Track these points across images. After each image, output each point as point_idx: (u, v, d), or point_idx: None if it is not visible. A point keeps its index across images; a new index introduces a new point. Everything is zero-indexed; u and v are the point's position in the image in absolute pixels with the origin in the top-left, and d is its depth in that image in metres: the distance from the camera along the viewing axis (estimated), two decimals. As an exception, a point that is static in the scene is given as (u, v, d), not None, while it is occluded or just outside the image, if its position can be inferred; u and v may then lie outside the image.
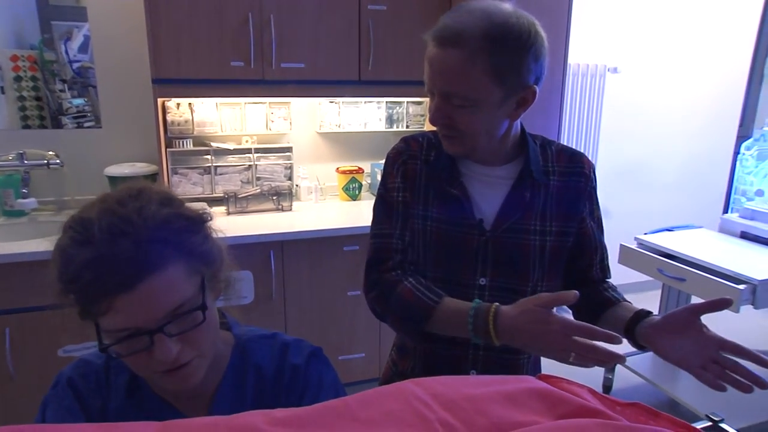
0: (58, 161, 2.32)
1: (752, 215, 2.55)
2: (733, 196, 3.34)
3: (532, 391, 0.49)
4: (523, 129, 1.07)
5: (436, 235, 1.05)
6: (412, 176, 1.08)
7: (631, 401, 0.58)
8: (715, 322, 3.21)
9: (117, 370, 0.77)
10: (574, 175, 1.06)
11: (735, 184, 3.32)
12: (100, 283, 0.63)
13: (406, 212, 1.07)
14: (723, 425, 1.10)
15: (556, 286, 1.11)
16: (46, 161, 2.30)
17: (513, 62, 0.90)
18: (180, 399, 0.77)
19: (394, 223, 1.08)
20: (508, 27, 0.89)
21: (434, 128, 1.04)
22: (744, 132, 3.91)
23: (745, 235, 2.52)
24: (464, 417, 0.44)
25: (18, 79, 2.30)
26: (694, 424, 0.94)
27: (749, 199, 3.20)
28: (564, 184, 1.06)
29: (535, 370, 1.15)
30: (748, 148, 3.19)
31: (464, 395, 0.47)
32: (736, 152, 3.65)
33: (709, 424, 1.11)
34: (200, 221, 0.74)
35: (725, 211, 3.81)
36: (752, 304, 2.04)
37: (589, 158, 1.10)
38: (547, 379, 0.61)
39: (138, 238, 0.64)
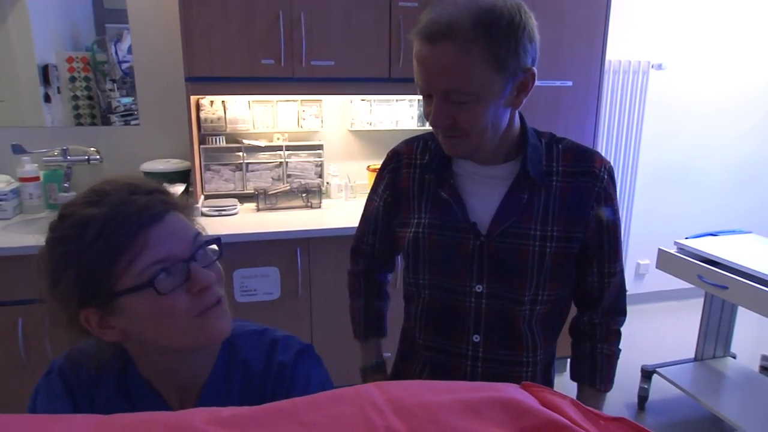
0: (98, 157, 2.41)
1: (807, 221, 2.38)
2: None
3: (498, 401, 0.46)
4: (523, 125, 1.01)
5: (429, 241, 1.01)
6: (403, 184, 1.06)
7: (617, 416, 0.54)
8: (764, 330, 3.00)
9: (108, 360, 0.78)
10: (581, 175, 0.98)
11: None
12: (131, 220, 0.67)
13: (381, 220, 1.13)
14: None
15: (562, 295, 1.04)
16: (87, 157, 2.40)
17: (509, 45, 0.86)
18: (171, 389, 0.78)
19: (368, 227, 1.16)
20: (497, 11, 0.84)
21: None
22: (804, 132, 3.66)
23: (798, 242, 2.36)
24: (415, 425, 0.42)
25: (72, 79, 2.41)
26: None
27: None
28: (569, 185, 0.98)
29: (544, 383, 1.10)
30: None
31: (421, 402, 0.45)
32: (794, 153, 3.43)
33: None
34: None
35: (780, 216, 3.59)
36: (802, 316, 1.91)
37: (604, 157, 1.02)
38: (530, 388, 0.58)
39: (149, 190, 0.71)
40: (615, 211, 1.02)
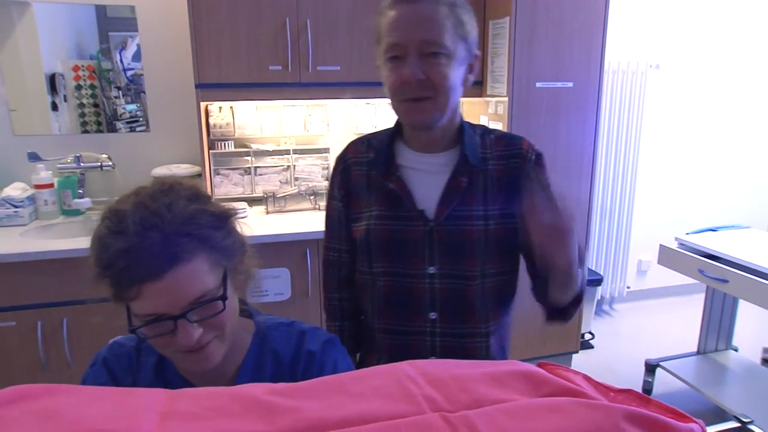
0: (110, 163, 2.47)
1: (805, 215, 2.43)
2: (784, 195, 3.19)
3: (519, 373, 0.52)
4: (460, 116, 1.11)
5: (380, 232, 1.08)
6: (353, 182, 1.13)
7: (624, 388, 0.60)
8: (765, 323, 3.04)
9: (147, 351, 0.84)
10: (512, 157, 1.07)
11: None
12: (131, 271, 0.69)
13: (340, 220, 1.17)
14: (752, 427, 1.08)
15: (509, 268, 1.11)
16: (99, 163, 2.46)
17: (470, 21, 0.99)
18: (203, 381, 0.83)
19: (333, 233, 1.20)
20: None
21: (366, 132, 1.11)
22: (801, 128, 3.72)
23: (797, 236, 2.41)
24: (447, 393, 0.47)
25: (78, 87, 2.46)
26: (722, 425, 0.92)
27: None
28: (503, 167, 1.07)
29: (498, 352, 1.15)
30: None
31: (452, 374, 0.50)
32: (791, 149, 3.48)
33: (738, 425, 1.09)
34: (224, 217, 0.80)
35: (779, 211, 3.64)
36: (801, 307, 1.96)
37: (531, 142, 1.10)
38: (545, 366, 0.63)
39: (167, 231, 0.70)
40: (547, 185, 1.08)
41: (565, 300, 1.03)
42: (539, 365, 0.65)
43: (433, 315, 1.08)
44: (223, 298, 0.74)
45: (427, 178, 1.07)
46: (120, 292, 0.70)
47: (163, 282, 0.69)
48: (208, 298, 0.73)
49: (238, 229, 0.83)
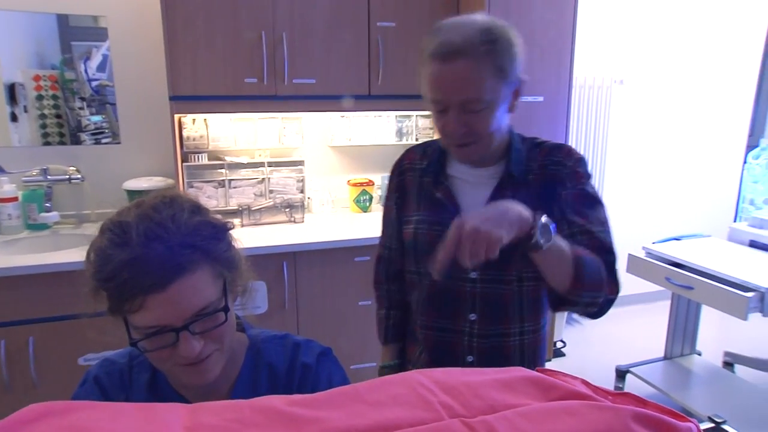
0: (79, 176, 2.40)
1: (761, 224, 2.56)
2: (740, 204, 3.35)
3: (527, 379, 0.54)
4: (510, 129, 1.13)
5: (426, 236, 1.13)
6: (407, 186, 1.20)
7: (622, 391, 0.62)
8: (724, 329, 3.18)
9: (139, 368, 0.83)
10: (552, 165, 1.10)
11: (742, 192, 3.33)
12: (135, 282, 0.68)
13: (395, 221, 1.24)
14: (725, 426, 1.13)
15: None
16: (67, 176, 2.39)
17: (510, 58, 0.99)
18: (198, 396, 0.82)
19: (388, 230, 1.29)
20: (497, 30, 0.98)
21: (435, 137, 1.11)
22: (753, 142, 3.92)
23: (754, 244, 2.53)
24: (462, 400, 0.49)
25: (40, 98, 2.39)
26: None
27: (758, 208, 3.21)
28: (542, 176, 1.10)
29: (529, 353, 1.17)
30: (755, 157, 3.20)
31: (463, 382, 0.52)
32: (745, 161, 3.66)
33: (712, 425, 1.13)
34: (225, 229, 0.80)
35: (735, 220, 3.82)
36: (761, 312, 2.05)
37: (573, 149, 1.12)
38: (545, 371, 0.66)
39: (171, 242, 0.70)
40: (586, 185, 1.09)
41: (561, 284, 0.99)
42: (539, 371, 0.67)
43: (472, 316, 1.13)
44: (225, 309, 0.74)
45: (473, 189, 1.12)
46: (121, 304, 0.69)
47: (167, 293, 0.69)
48: (210, 310, 0.73)
49: (234, 242, 0.83)
